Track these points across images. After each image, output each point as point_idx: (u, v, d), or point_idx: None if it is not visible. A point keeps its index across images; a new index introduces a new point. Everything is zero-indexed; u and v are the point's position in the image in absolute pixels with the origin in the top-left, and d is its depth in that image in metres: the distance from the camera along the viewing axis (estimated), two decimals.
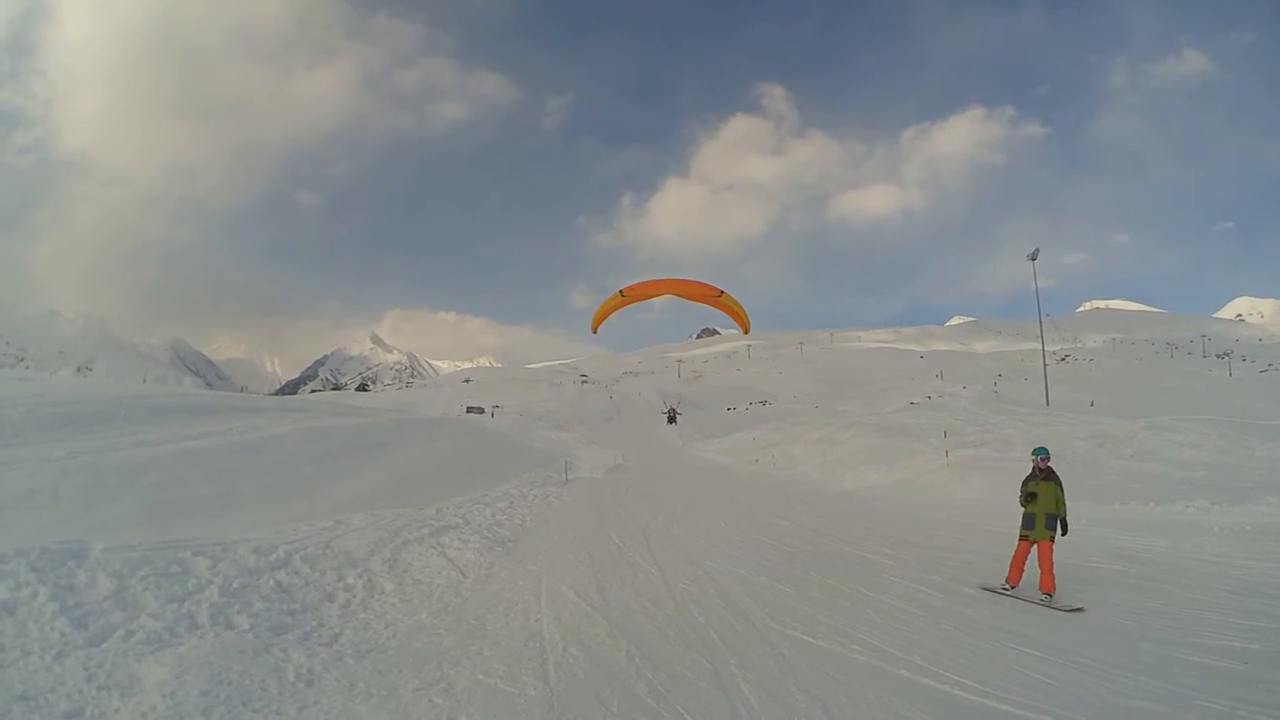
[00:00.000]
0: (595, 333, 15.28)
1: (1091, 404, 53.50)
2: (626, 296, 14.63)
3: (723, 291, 14.83)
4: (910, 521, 14.49)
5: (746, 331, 15.55)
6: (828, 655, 6.35)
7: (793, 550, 11.44)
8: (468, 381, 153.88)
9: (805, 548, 11.71)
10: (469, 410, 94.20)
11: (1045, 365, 54.99)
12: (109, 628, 5.93)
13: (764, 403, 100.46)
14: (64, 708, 4.66)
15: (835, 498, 19.49)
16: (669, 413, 37.76)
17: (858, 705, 5.22)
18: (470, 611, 7.42)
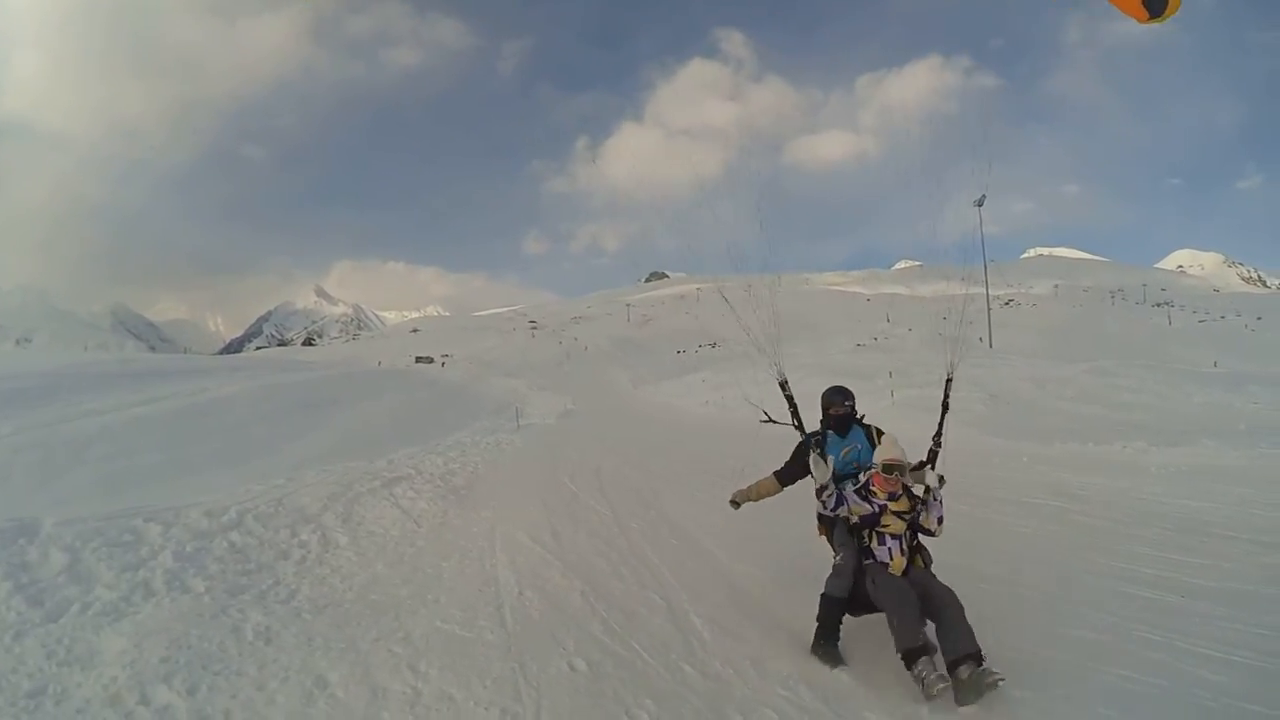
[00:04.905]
0: None
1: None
2: None
3: None
4: None
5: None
6: (780, 588, 6.65)
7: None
8: (415, 331, 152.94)
9: None
10: (418, 360, 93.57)
11: (989, 309, 55.81)
12: (65, 602, 5.88)
13: (713, 345, 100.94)
14: (27, 687, 4.63)
15: (785, 436, 19.73)
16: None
17: (809, 635, 5.44)
18: (425, 561, 7.46)
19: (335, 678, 4.74)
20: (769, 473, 6.44)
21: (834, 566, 5.62)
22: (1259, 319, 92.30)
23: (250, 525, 8.25)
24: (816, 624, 5.38)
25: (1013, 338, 61.01)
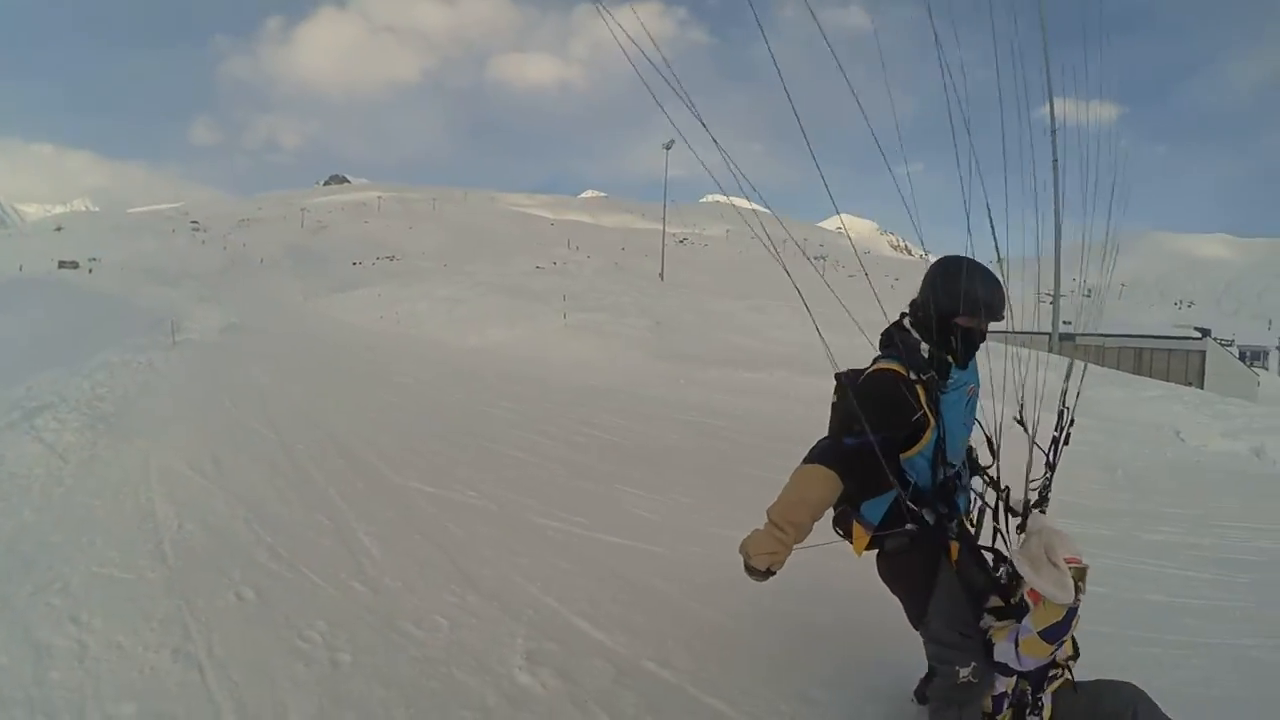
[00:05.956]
0: None
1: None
2: None
3: None
4: (529, 378, 15.63)
5: None
6: (449, 503, 6.83)
7: (418, 407, 11.92)
8: (60, 230, 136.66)
9: (430, 404, 12.25)
10: (61, 266, 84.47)
11: (664, 245, 59.14)
12: None
13: (392, 258, 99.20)
14: None
15: (460, 355, 20.12)
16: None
17: (476, 544, 5.77)
18: (76, 500, 6.84)
19: None
20: (809, 460, 3.15)
21: (948, 685, 2.99)
22: (898, 279, 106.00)
23: None
24: None
25: (685, 273, 65.23)
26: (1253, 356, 72.09)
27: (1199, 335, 44.50)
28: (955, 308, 2.93)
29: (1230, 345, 58.40)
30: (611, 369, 16.92)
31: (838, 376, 3.40)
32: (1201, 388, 25.65)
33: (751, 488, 7.69)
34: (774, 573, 2.90)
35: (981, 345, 3.15)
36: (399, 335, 25.41)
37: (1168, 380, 21.78)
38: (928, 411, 2.89)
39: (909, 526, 3.00)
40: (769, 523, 2.91)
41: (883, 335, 3.25)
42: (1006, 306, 3.04)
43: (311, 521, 6.24)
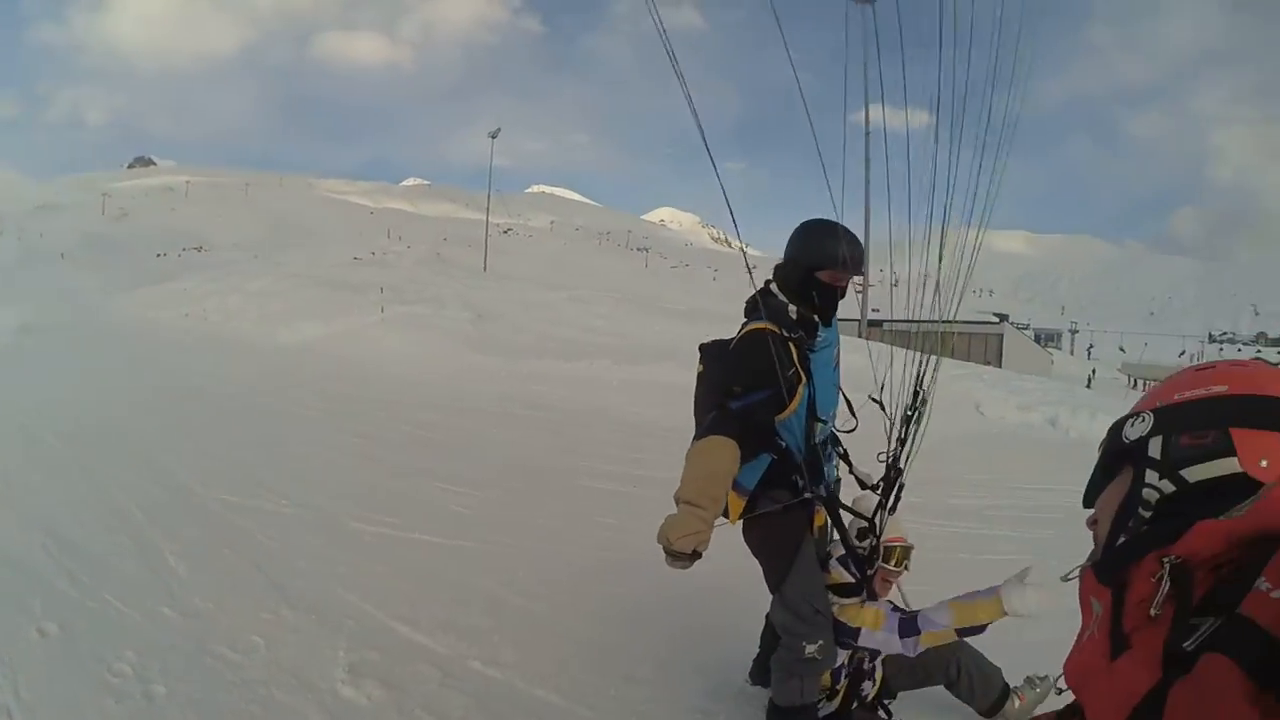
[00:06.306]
0: None
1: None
2: None
3: None
4: (345, 376, 15.35)
5: None
6: (259, 513, 6.53)
7: (225, 408, 11.47)
8: None
9: (238, 405, 11.77)
10: None
11: (488, 235, 58.79)
12: None
13: (199, 249, 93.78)
14: None
15: (271, 352, 19.38)
16: None
17: (289, 555, 5.57)
18: None
19: None
20: (704, 434, 2.96)
21: (793, 658, 3.10)
22: (718, 270, 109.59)
23: None
24: None
25: (508, 264, 64.85)
26: (1047, 338, 78.85)
27: (997, 320, 48.53)
28: (817, 262, 3.08)
29: (1026, 329, 63.75)
30: (431, 363, 16.78)
31: (702, 347, 3.44)
32: (1000, 367, 27.62)
33: (570, 478, 7.92)
34: (700, 554, 2.76)
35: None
36: (206, 333, 24.13)
37: (969, 360, 23.32)
38: (799, 369, 3.01)
39: (781, 493, 3.11)
40: (684, 503, 2.79)
41: (748, 302, 3.25)
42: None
43: (114, 543, 5.81)
